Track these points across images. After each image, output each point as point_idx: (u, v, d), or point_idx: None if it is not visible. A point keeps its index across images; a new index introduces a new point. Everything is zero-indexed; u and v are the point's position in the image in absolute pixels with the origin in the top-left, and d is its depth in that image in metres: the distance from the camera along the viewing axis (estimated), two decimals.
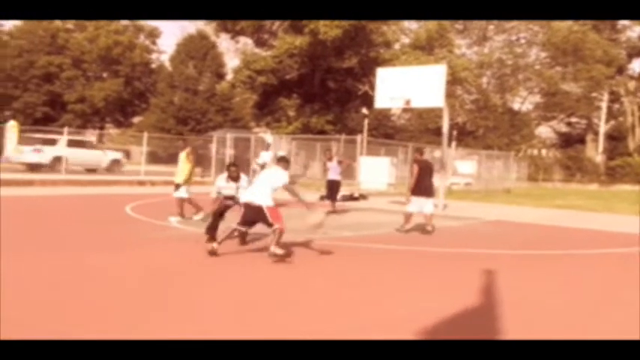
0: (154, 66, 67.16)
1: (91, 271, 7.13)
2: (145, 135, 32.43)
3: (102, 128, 63.49)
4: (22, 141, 28.85)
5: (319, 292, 6.74)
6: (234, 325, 5.18)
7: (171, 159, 37.01)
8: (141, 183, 25.55)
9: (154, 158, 41.85)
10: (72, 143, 30.02)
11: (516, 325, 5.49)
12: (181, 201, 12.81)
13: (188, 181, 12.94)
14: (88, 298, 5.84)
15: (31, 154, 27.67)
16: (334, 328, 5.17)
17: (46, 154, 27.93)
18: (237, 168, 10.11)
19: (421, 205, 12.57)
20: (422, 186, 12.63)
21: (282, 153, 26.40)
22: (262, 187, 8.55)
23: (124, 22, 62.54)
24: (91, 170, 30.48)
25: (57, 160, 28.04)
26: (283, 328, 5.14)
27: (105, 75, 63.69)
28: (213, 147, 32.43)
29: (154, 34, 67.39)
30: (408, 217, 12.66)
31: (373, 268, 8.41)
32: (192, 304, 5.81)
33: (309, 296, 6.49)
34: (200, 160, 33.09)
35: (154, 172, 29.53)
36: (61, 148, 28.44)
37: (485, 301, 6.44)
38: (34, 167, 27.70)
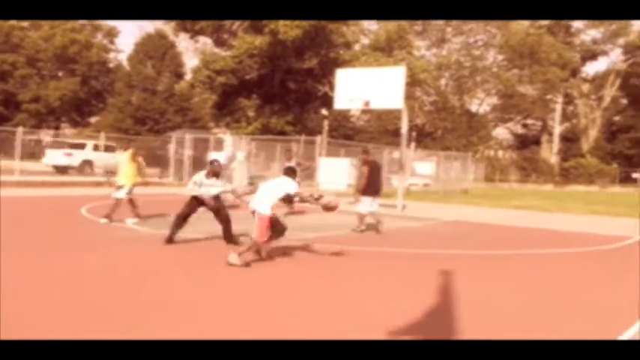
0: (111, 65, 66.15)
1: (51, 273, 6.99)
2: (102, 135, 31.96)
3: (57, 128, 62.29)
4: (51, 145, 29.97)
5: (289, 293, 6.72)
6: (204, 324, 5.14)
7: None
8: (98, 184, 25.12)
9: None
10: (97, 147, 31.60)
11: (475, 325, 5.56)
12: (129, 202, 12.64)
13: (134, 182, 12.71)
14: (45, 299, 5.73)
15: (62, 157, 29.16)
16: (310, 330, 5.16)
17: (76, 158, 29.70)
18: (219, 163, 10.02)
19: (370, 204, 12.83)
20: (371, 185, 12.92)
21: (241, 153, 26.27)
22: (266, 195, 8.30)
23: (82, 21, 61.43)
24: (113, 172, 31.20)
25: (86, 163, 29.90)
26: (252, 327, 5.11)
27: (61, 74, 62.45)
28: (172, 147, 32.09)
29: (112, 34, 66.36)
30: (361, 217, 12.90)
31: (340, 269, 8.43)
32: (148, 305, 5.75)
33: (280, 297, 6.46)
34: (158, 161, 32.74)
35: (112, 173, 29.13)
36: (89, 152, 30.34)
37: (445, 302, 6.50)
38: (62, 170, 28.90)
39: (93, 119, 65.36)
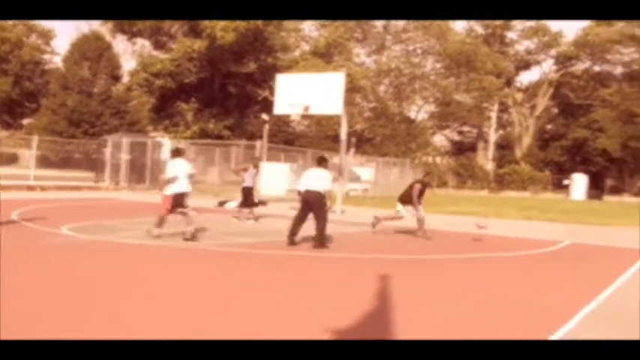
0: (47, 67, 64.34)
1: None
2: (35, 138, 31.05)
3: None
4: None
5: (222, 297, 6.65)
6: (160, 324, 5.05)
7: (64, 163, 35.57)
8: (30, 188, 24.41)
9: (44, 162, 40.03)
10: None
11: (406, 327, 5.62)
12: None
13: None
14: None
15: None
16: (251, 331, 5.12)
17: None
18: None
19: None
20: None
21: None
22: None
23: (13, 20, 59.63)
24: None
25: None
26: (198, 328, 5.05)
27: None
28: (108, 151, 31.48)
29: (47, 36, 64.57)
30: None
31: (274, 273, 8.41)
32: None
33: (213, 301, 6.39)
34: (94, 165, 32.06)
35: (45, 177, 28.29)
36: None
37: (379, 305, 6.55)
38: None
39: (25, 121, 63.47)
